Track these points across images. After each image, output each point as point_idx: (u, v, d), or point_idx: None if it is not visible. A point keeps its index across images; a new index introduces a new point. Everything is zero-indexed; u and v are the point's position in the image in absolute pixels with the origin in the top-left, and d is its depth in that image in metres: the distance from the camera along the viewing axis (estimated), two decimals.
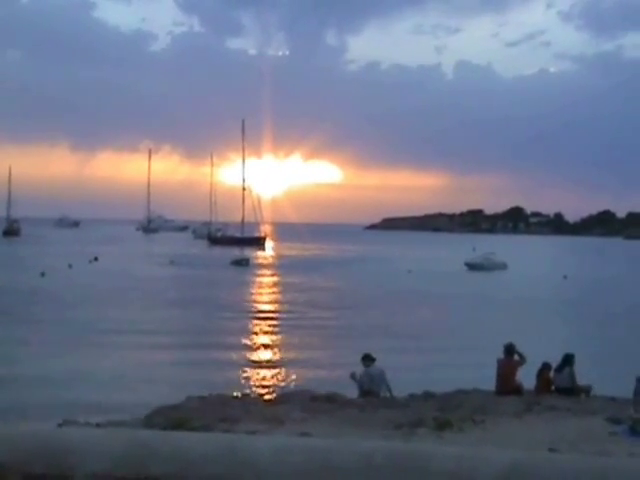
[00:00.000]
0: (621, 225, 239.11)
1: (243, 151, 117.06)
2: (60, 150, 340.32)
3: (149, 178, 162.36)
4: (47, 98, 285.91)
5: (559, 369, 15.80)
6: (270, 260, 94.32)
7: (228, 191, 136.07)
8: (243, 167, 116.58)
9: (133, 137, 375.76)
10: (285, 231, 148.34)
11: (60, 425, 10.38)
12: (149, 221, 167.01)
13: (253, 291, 57.22)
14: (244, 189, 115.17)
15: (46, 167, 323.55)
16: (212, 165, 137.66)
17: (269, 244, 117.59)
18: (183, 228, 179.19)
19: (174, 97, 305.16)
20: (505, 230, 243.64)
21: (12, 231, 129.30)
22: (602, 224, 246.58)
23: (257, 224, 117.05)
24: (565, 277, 68.98)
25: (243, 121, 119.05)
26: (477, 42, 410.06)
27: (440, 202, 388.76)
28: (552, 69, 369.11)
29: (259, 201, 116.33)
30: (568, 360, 15.84)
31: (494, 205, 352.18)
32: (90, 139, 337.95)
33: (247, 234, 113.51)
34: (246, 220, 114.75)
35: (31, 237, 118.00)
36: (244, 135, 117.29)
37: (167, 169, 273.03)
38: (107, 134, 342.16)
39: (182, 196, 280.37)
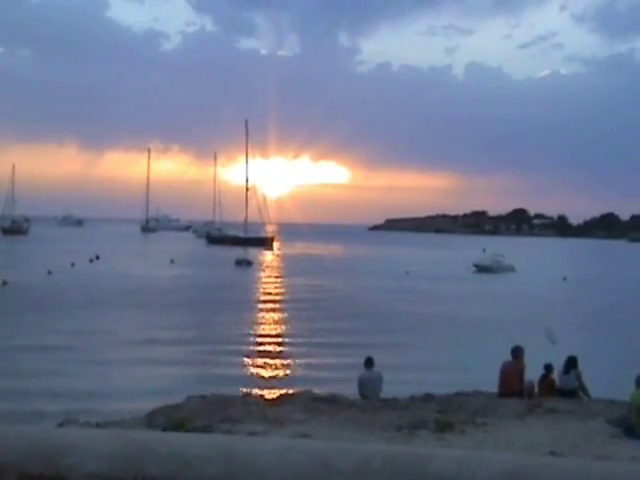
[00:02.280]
0: (625, 228, 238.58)
1: (246, 151, 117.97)
2: (68, 149, 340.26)
3: (148, 177, 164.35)
4: (56, 97, 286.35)
5: (565, 372, 15.73)
6: (274, 261, 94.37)
7: (233, 191, 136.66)
8: (246, 167, 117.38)
9: (142, 137, 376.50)
10: (288, 231, 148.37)
11: (60, 425, 10.37)
12: (147, 220, 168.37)
13: (254, 293, 57.14)
14: (247, 189, 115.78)
15: (53, 166, 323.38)
16: (215, 165, 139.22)
17: (275, 245, 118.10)
18: (187, 227, 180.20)
19: (184, 97, 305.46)
20: (508, 232, 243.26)
21: (17, 230, 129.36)
22: (606, 227, 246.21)
23: (261, 224, 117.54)
24: (564, 279, 70.07)
25: (246, 121, 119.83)
26: (489, 44, 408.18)
27: (445, 203, 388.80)
28: (563, 71, 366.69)
29: (264, 201, 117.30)
30: (572, 363, 15.78)
31: (498, 207, 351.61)
32: (98, 139, 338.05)
33: (251, 234, 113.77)
34: (250, 220, 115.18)
35: (37, 235, 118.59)
36: (248, 135, 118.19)
37: (175, 169, 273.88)
38: (116, 134, 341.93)
39: (189, 196, 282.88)
